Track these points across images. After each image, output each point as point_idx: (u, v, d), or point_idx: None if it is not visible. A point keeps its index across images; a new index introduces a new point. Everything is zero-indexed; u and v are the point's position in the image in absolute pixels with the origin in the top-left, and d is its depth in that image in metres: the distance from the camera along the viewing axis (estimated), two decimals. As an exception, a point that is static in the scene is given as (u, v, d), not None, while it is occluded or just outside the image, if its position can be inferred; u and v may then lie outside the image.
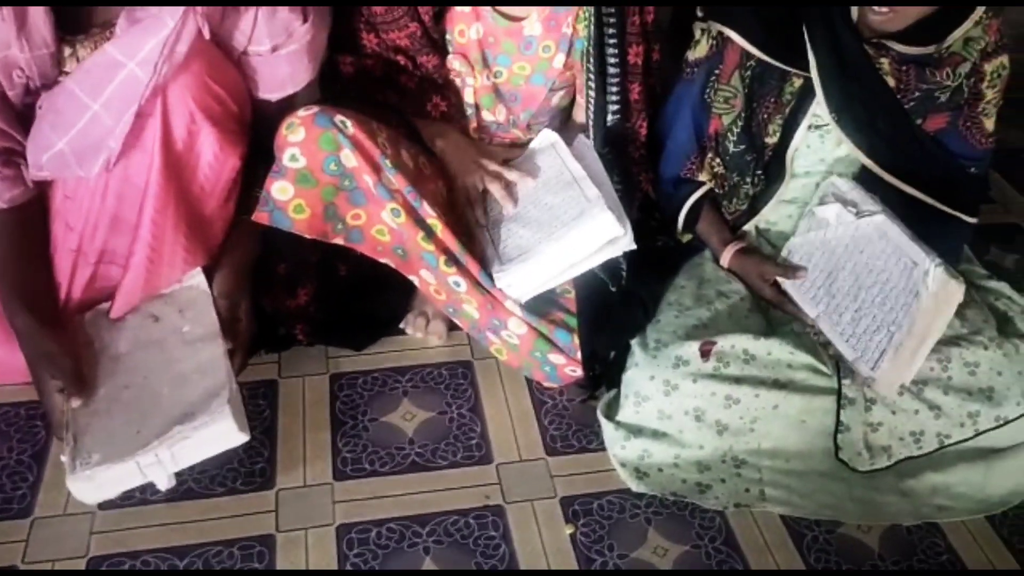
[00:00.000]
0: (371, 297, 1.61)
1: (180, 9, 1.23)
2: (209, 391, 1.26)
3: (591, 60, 1.52)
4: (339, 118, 1.35)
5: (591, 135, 1.57)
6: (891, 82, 1.43)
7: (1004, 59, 1.46)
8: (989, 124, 1.51)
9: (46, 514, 1.32)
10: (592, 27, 1.50)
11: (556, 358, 1.47)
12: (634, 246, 1.42)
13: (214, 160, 1.35)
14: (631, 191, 1.57)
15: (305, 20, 1.39)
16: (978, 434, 1.42)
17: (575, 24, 1.53)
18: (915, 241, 1.37)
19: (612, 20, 1.51)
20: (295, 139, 1.34)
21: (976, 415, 1.41)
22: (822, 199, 1.50)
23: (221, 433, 1.24)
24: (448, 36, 1.54)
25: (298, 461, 1.42)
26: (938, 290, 1.31)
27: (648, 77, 1.59)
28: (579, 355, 1.46)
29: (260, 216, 1.36)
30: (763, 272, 1.52)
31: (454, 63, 1.55)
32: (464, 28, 1.53)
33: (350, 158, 1.36)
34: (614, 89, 1.55)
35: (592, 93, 1.55)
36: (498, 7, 1.51)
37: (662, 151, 1.61)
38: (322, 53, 1.47)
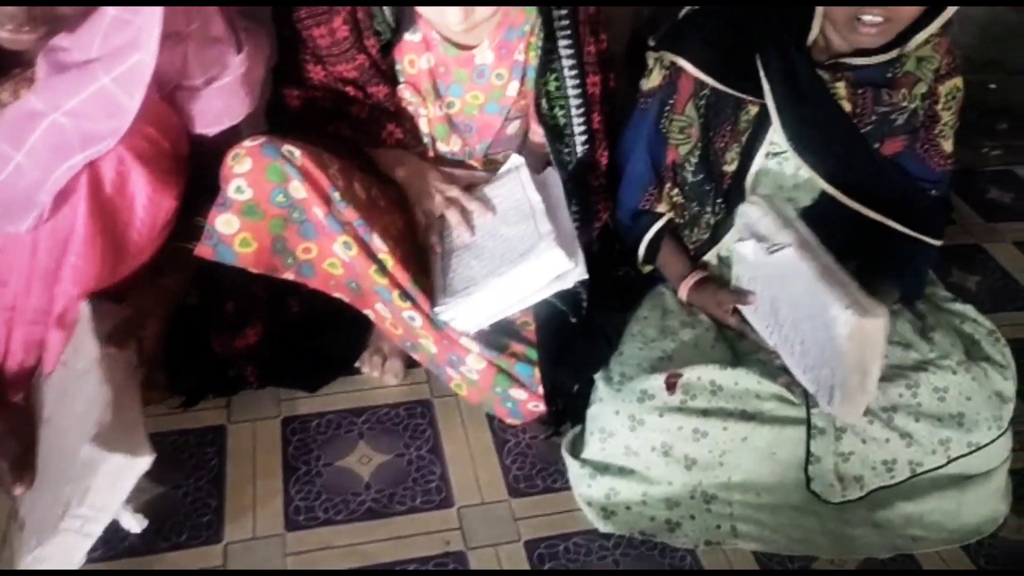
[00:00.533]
0: (325, 335, 1.55)
1: (114, 64, 1.16)
2: (88, 432, 1.14)
3: (544, 92, 1.49)
4: (287, 148, 1.30)
5: (556, 165, 1.53)
6: (847, 107, 1.41)
7: (958, 80, 1.45)
8: (947, 146, 1.49)
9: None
10: (541, 55, 1.47)
11: (518, 393, 1.42)
12: (585, 276, 1.38)
13: (148, 203, 1.27)
14: (590, 221, 1.53)
15: (239, 51, 1.34)
16: (950, 461, 1.39)
17: (527, 51, 1.50)
18: (824, 279, 1.26)
19: (570, 52, 1.48)
20: (241, 170, 1.29)
21: (948, 442, 1.38)
22: (740, 234, 1.44)
23: (114, 470, 1.13)
24: (398, 67, 1.50)
25: (247, 511, 1.35)
26: (851, 333, 1.23)
27: (606, 105, 1.56)
28: (541, 390, 1.41)
29: (203, 250, 1.30)
30: (719, 301, 1.49)
31: (405, 93, 1.51)
32: (414, 58, 1.49)
33: (299, 189, 1.31)
34: (580, 119, 1.52)
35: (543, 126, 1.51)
36: (448, 36, 1.47)
37: (620, 180, 1.58)
38: (259, 85, 1.41)
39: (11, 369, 1.34)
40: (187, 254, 1.32)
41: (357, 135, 1.48)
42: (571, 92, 1.50)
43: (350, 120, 1.48)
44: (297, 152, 1.30)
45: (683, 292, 1.53)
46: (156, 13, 1.17)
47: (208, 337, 1.47)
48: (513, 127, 1.60)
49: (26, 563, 1.15)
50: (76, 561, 1.17)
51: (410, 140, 1.52)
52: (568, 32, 1.47)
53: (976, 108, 2.40)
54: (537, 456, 1.47)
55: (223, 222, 1.30)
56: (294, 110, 1.50)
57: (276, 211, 1.31)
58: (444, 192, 1.46)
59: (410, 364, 1.58)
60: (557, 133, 1.52)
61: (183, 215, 1.34)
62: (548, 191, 1.47)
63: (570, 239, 1.39)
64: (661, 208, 1.56)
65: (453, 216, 1.44)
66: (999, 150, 2.33)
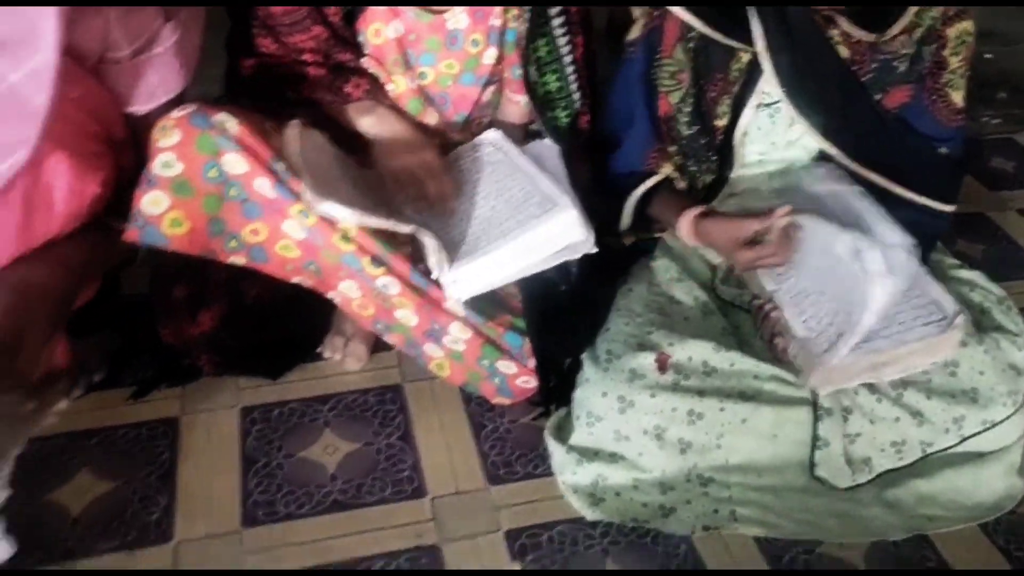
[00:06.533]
0: (286, 319, 1.44)
1: (11, 66, 1.00)
2: None
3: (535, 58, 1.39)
4: (219, 117, 1.19)
5: (549, 134, 1.44)
6: (844, 52, 1.31)
7: (968, 24, 1.34)
8: (957, 98, 1.38)
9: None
10: (530, 20, 1.37)
11: (506, 366, 1.32)
12: (595, 249, 1.28)
13: (69, 192, 1.13)
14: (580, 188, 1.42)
15: (168, 19, 1.22)
16: (963, 440, 1.30)
17: (504, 14, 1.40)
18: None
19: (558, 11, 1.39)
20: (168, 143, 1.18)
21: (961, 420, 1.29)
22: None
23: None
24: (361, 37, 1.39)
25: (201, 508, 1.23)
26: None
27: (589, 69, 1.47)
28: (531, 363, 1.30)
29: (130, 234, 1.19)
30: (735, 231, 1.30)
31: (368, 67, 1.40)
32: (380, 27, 1.37)
33: (234, 163, 1.20)
34: (575, 83, 1.43)
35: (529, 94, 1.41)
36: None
37: (615, 144, 1.45)
38: (196, 56, 1.30)
39: None
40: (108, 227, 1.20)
41: (318, 93, 1.36)
42: (564, 54, 1.41)
43: (309, 82, 1.37)
44: (232, 121, 1.19)
45: (684, 226, 1.36)
46: (50, 13, 1.00)
47: (156, 326, 1.36)
48: (488, 93, 1.49)
49: None
50: None
51: (380, 94, 1.39)
52: None
53: (975, 78, 2.34)
54: (517, 441, 1.36)
55: (150, 201, 1.19)
56: (248, 78, 1.39)
57: (209, 188, 1.20)
58: (418, 156, 1.34)
59: (377, 348, 1.48)
60: (547, 100, 1.43)
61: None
62: (542, 163, 1.37)
63: (580, 208, 1.29)
64: (665, 170, 1.43)
65: (431, 186, 1.33)
66: (999, 119, 2.27)
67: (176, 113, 1.19)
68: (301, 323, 1.46)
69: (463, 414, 1.40)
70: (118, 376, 1.40)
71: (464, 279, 1.25)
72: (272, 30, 1.35)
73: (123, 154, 1.24)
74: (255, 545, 1.19)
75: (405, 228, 1.24)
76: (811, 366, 1.25)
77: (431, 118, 1.46)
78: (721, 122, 1.38)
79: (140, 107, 1.24)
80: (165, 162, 1.18)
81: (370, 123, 1.37)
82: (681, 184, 1.44)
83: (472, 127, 1.51)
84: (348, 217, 1.21)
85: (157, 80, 1.23)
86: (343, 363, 1.46)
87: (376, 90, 1.39)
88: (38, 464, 1.23)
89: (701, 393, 1.25)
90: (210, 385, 1.41)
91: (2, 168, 1.02)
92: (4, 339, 1.04)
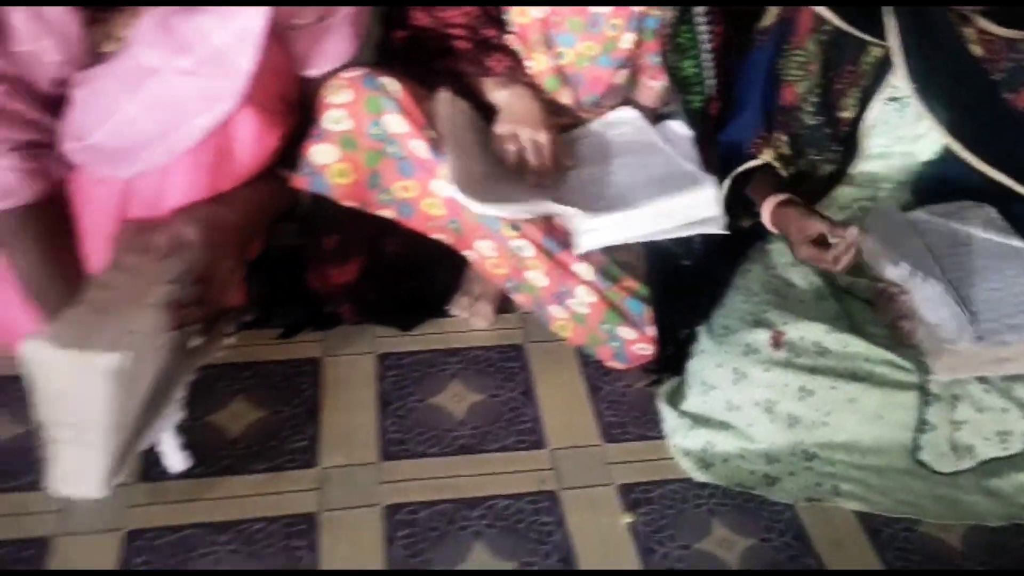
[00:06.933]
0: (421, 276, 1.55)
1: (225, 25, 1.13)
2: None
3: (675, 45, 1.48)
4: (384, 80, 1.31)
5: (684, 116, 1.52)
6: (978, 51, 1.35)
7: None
8: None
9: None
10: (679, 8, 1.45)
11: (626, 332, 1.41)
12: (725, 231, 1.37)
13: (255, 144, 1.24)
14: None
15: None
16: None
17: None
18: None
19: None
20: (340, 100, 1.30)
21: None
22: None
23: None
24: (506, 16, 1.48)
25: (342, 440, 1.35)
26: None
27: (722, 57, 1.53)
28: (650, 330, 1.39)
29: (300, 181, 1.32)
30: (804, 227, 1.35)
31: (511, 44, 1.49)
32: (526, 7, 1.47)
33: (395, 123, 1.31)
34: (709, 64, 1.50)
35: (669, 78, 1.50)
36: None
37: (730, 122, 1.51)
38: (365, 27, 1.41)
39: None
40: (278, 177, 1.32)
41: (462, 64, 1.46)
42: (703, 42, 1.48)
43: (456, 54, 1.47)
44: (395, 85, 1.31)
45: (766, 212, 1.42)
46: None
47: (305, 274, 1.49)
48: (621, 76, 1.57)
49: None
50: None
51: (519, 70, 1.49)
52: None
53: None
54: (631, 404, 1.45)
55: (319, 152, 1.31)
56: (400, 50, 1.50)
57: (371, 144, 1.32)
58: (533, 130, 1.41)
59: (502, 310, 1.58)
60: (682, 85, 1.50)
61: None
62: (675, 144, 1.46)
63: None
64: (764, 157, 1.49)
65: (532, 159, 1.40)
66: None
67: (347, 74, 1.30)
68: (434, 281, 1.57)
69: (581, 376, 1.49)
70: (267, 318, 1.53)
71: (598, 229, 1.34)
72: (427, 5, 1.45)
73: (293, 113, 1.37)
74: (390, 477, 1.30)
75: (525, 215, 1.35)
76: (939, 352, 1.28)
77: (566, 97, 1.54)
78: (847, 114, 1.43)
79: (315, 70, 1.35)
80: (335, 118, 1.29)
81: (504, 97, 1.45)
82: (783, 173, 1.49)
83: (601, 108, 1.59)
84: (476, 208, 1.32)
85: (333, 46, 1.35)
86: (470, 321, 1.57)
87: (516, 66, 1.48)
88: (201, 390, 1.35)
89: (813, 371, 1.30)
90: (349, 332, 1.53)
91: (206, 118, 1.15)
92: (200, 271, 1.17)
